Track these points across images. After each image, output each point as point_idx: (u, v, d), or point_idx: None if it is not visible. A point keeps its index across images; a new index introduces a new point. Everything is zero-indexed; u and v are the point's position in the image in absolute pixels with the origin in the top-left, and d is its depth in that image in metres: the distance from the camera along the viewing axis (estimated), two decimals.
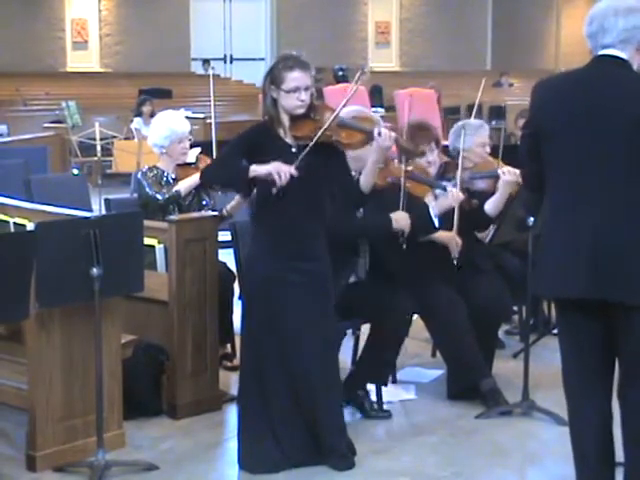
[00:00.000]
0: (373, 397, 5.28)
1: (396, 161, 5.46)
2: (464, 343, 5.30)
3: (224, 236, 5.64)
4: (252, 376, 4.59)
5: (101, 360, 4.49)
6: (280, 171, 4.37)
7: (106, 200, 6.38)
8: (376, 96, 18.22)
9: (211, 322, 5.32)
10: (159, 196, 5.67)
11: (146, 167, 5.99)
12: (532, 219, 5.07)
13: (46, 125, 15.12)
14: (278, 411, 4.56)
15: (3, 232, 5.24)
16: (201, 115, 14.88)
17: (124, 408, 4.84)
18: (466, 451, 4.86)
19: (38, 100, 17.48)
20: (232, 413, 5.08)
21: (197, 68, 21.66)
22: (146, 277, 4.66)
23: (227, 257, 5.80)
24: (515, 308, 6.53)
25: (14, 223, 5.47)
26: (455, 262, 5.41)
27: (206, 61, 20.82)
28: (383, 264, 5.41)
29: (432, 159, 5.58)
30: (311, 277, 4.53)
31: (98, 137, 11.32)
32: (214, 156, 6.21)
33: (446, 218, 5.28)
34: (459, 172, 5.44)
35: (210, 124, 6.91)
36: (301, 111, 4.49)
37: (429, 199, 5.31)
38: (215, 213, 5.52)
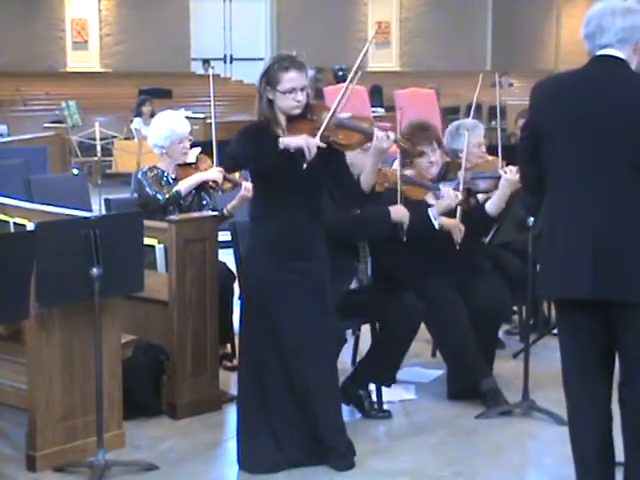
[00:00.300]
0: (373, 397, 5.28)
1: (396, 163, 5.46)
2: (464, 343, 5.30)
3: (224, 236, 5.64)
4: (251, 376, 4.59)
5: (101, 360, 4.50)
6: (309, 144, 4.33)
7: (106, 200, 6.37)
8: (376, 96, 18.23)
9: (211, 322, 5.32)
10: (159, 196, 5.67)
11: (146, 167, 5.99)
12: (532, 219, 5.07)
13: (46, 125, 15.10)
14: (277, 411, 4.56)
15: (3, 232, 5.24)
16: (201, 115, 14.87)
17: (124, 408, 4.84)
18: (466, 451, 4.87)
19: (38, 100, 17.48)
20: (232, 413, 5.07)
21: (197, 68, 21.65)
22: (146, 277, 4.66)
23: (227, 257, 5.80)
24: (515, 308, 6.54)
25: (14, 223, 5.47)
26: (457, 247, 5.39)
27: (206, 61, 20.82)
28: (385, 267, 5.42)
29: (434, 159, 5.54)
30: (311, 277, 4.53)
31: (98, 137, 11.31)
32: (214, 156, 6.19)
33: (448, 214, 5.30)
34: (462, 172, 5.44)
35: (210, 124, 6.89)
36: (298, 111, 4.49)
37: (430, 197, 5.32)
38: (215, 213, 5.52)
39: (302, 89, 4.46)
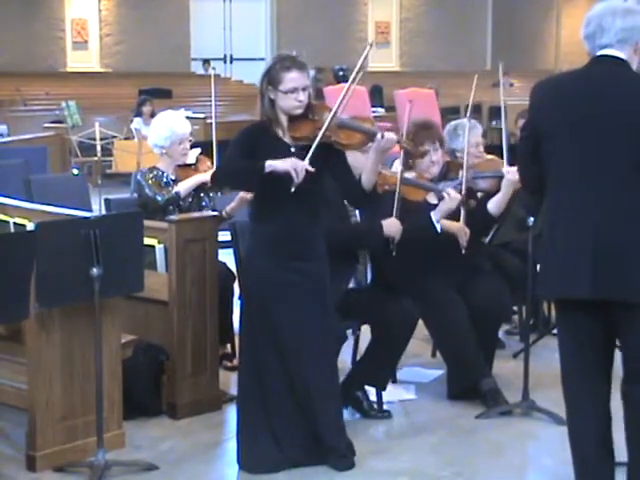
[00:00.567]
0: (373, 397, 5.29)
1: (396, 163, 5.46)
2: (464, 343, 5.30)
3: (224, 236, 5.64)
4: (251, 376, 4.59)
5: (101, 360, 4.49)
6: (297, 167, 4.35)
7: (106, 200, 6.37)
8: (376, 96, 18.23)
9: (211, 322, 5.32)
10: (158, 197, 5.67)
11: (146, 168, 5.99)
12: (532, 219, 5.07)
13: (46, 125, 15.10)
14: (277, 411, 4.56)
15: (3, 232, 5.24)
16: (201, 115, 14.87)
17: (124, 408, 4.84)
18: (466, 451, 4.87)
19: (38, 100, 17.48)
20: (232, 413, 5.07)
21: (197, 68, 21.65)
22: (146, 277, 4.66)
23: (227, 257, 5.80)
24: (515, 308, 6.54)
25: (14, 223, 5.48)
26: (463, 251, 5.39)
27: (206, 61, 20.82)
28: (385, 268, 5.42)
29: (436, 158, 5.53)
30: (311, 277, 4.53)
31: (98, 137, 11.32)
32: (214, 157, 6.20)
33: (452, 216, 5.30)
34: (464, 171, 5.44)
35: (210, 124, 6.90)
36: (299, 111, 4.49)
37: (432, 197, 5.32)
38: (215, 213, 5.52)
39: (304, 89, 4.47)
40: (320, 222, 4.58)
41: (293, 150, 4.50)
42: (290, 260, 4.50)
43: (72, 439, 4.65)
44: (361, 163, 4.78)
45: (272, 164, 4.37)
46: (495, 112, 18.14)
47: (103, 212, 6.60)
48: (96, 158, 11.46)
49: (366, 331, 5.31)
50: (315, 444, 4.58)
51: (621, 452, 3.81)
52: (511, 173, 5.35)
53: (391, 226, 5.09)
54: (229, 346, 6.03)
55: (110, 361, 4.71)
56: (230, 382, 5.61)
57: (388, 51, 24.82)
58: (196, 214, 5.58)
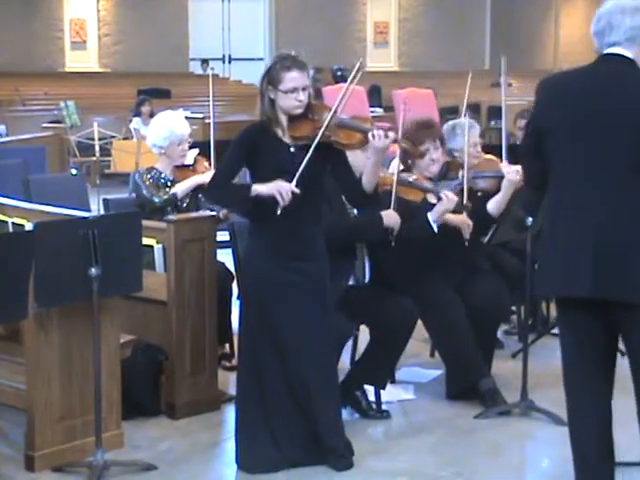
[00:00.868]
0: (372, 397, 5.29)
1: (394, 162, 5.45)
2: (463, 343, 5.30)
3: (222, 236, 5.64)
4: (250, 376, 4.59)
5: (100, 360, 4.49)
6: (282, 190, 4.37)
7: (105, 200, 6.37)
8: (374, 96, 18.22)
9: (210, 322, 5.32)
10: (156, 199, 5.67)
11: (144, 168, 5.98)
12: (531, 219, 5.07)
13: (45, 125, 15.10)
14: (276, 411, 4.56)
15: (2, 232, 5.24)
16: (200, 115, 14.87)
17: (123, 408, 4.84)
18: (465, 451, 4.87)
19: (37, 100, 17.47)
20: (231, 413, 5.07)
21: (196, 68, 21.65)
22: (145, 277, 4.65)
23: (225, 257, 5.80)
24: (514, 308, 6.54)
25: (13, 223, 5.48)
26: (466, 243, 5.40)
27: (205, 61, 20.82)
28: (384, 267, 5.42)
29: (436, 157, 5.51)
30: (311, 277, 4.53)
31: (97, 137, 11.31)
32: (212, 157, 6.19)
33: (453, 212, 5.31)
34: (465, 171, 5.44)
35: (209, 124, 6.89)
36: (299, 111, 4.49)
37: (431, 197, 5.32)
38: (214, 213, 5.52)
39: (304, 89, 4.47)
40: (321, 221, 4.58)
41: (292, 150, 4.50)
42: (290, 260, 4.50)
43: (71, 439, 4.65)
44: (362, 162, 4.78)
45: (257, 189, 4.42)
46: (494, 112, 18.13)
47: (102, 212, 6.59)
48: (95, 158, 11.46)
49: (365, 331, 5.31)
50: (314, 444, 4.58)
51: (621, 452, 3.81)
52: (512, 173, 5.35)
53: (390, 217, 5.09)
54: (228, 346, 6.03)
55: (109, 361, 4.71)
56: (229, 382, 5.61)
57: (387, 51, 24.82)
58: (195, 214, 5.58)
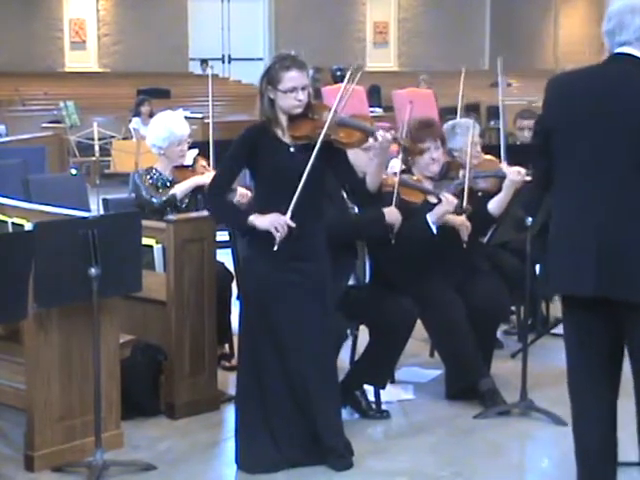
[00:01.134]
0: (371, 397, 5.29)
1: (394, 161, 5.45)
2: (462, 343, 5.30)
3: (222, 236, 5.64)
4: (250, 376, 4.59)
5: (99, 360, 4.49)
6: (278, 224, 4.39)
7: (104, 200, 6.37)
8: (374, 96, 18.22)
9: (209, 322, 5.32)
10: (155, 200, 5.68)
11: (143, 169, 5.98)
12: (530, 219, 5.07)
13: (44, 125, 15.09)
14: (276, 411, 4.56)
15: (1, 232, 5.24)
16: (199, 115, 14.87)
17: (122, 408, 4.84)
18: (464, 451, 4.87)
19: (36, 100, 17.46)
20: (230, 413, 5.07)
21: (195, 68, 21.64)
22: (144, 277, 4.66)
23: (225, 257, 5.80)
24: (513, 308, 6.54)
25: (12, 223, 5.47)
26: (464, 245, 5.40)
27: (204, 61, 20.81)
28: (384, 268, 5.42)
29: (436, 156, 5.50)
30: (311, 277, 4.53)
31: (96, 137, 11.31)
32: (211, 157, 6.19)
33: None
34: (467, 171, 5.43)
35: (208, 124, 6.89)
36: (299, 111, 4.49)
37: (432, 198, 5.32)
38: None
39: (303, 88, 4.47)
40: (322, 218, 4.59)
41: (292, 150, 4.50)
42: (290, 260, 4.49)
43: (70, 439, 4.65)
44: (363, 162, 4.78)
45: (253, 220, 4.44)
46: (493, 112, 18.12)
47: (101, 212, 6.60)
48: (94, 158, 11.46)
49: (364, 331, 5.31)
50: (314, 444, 4.58)
51: (622, 452, 3.81)
52: (513, 173, 5.35)
53: (391, 214, 5.09)
54: (227, 346, 6.04)
55: (108, 361, 4.71)
56: (228, 382, 5.61)
57: (386, 51, 24.82)
58: (194, 214, 5.58)
